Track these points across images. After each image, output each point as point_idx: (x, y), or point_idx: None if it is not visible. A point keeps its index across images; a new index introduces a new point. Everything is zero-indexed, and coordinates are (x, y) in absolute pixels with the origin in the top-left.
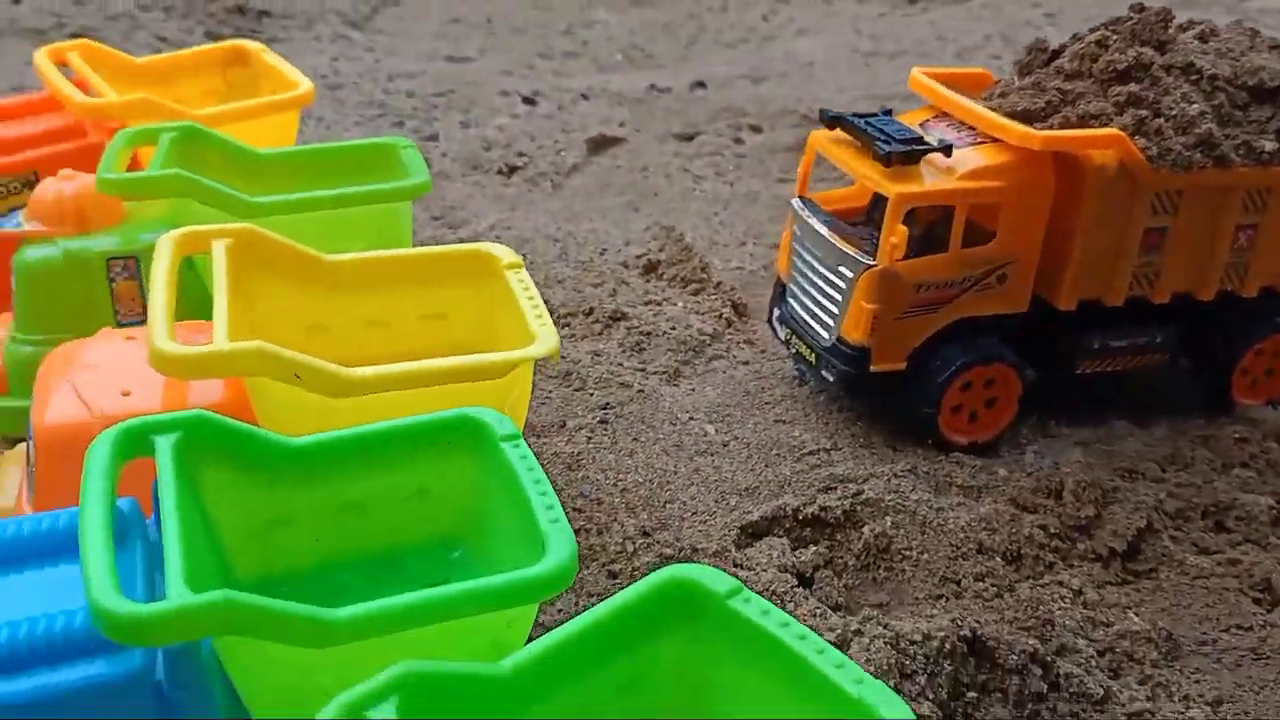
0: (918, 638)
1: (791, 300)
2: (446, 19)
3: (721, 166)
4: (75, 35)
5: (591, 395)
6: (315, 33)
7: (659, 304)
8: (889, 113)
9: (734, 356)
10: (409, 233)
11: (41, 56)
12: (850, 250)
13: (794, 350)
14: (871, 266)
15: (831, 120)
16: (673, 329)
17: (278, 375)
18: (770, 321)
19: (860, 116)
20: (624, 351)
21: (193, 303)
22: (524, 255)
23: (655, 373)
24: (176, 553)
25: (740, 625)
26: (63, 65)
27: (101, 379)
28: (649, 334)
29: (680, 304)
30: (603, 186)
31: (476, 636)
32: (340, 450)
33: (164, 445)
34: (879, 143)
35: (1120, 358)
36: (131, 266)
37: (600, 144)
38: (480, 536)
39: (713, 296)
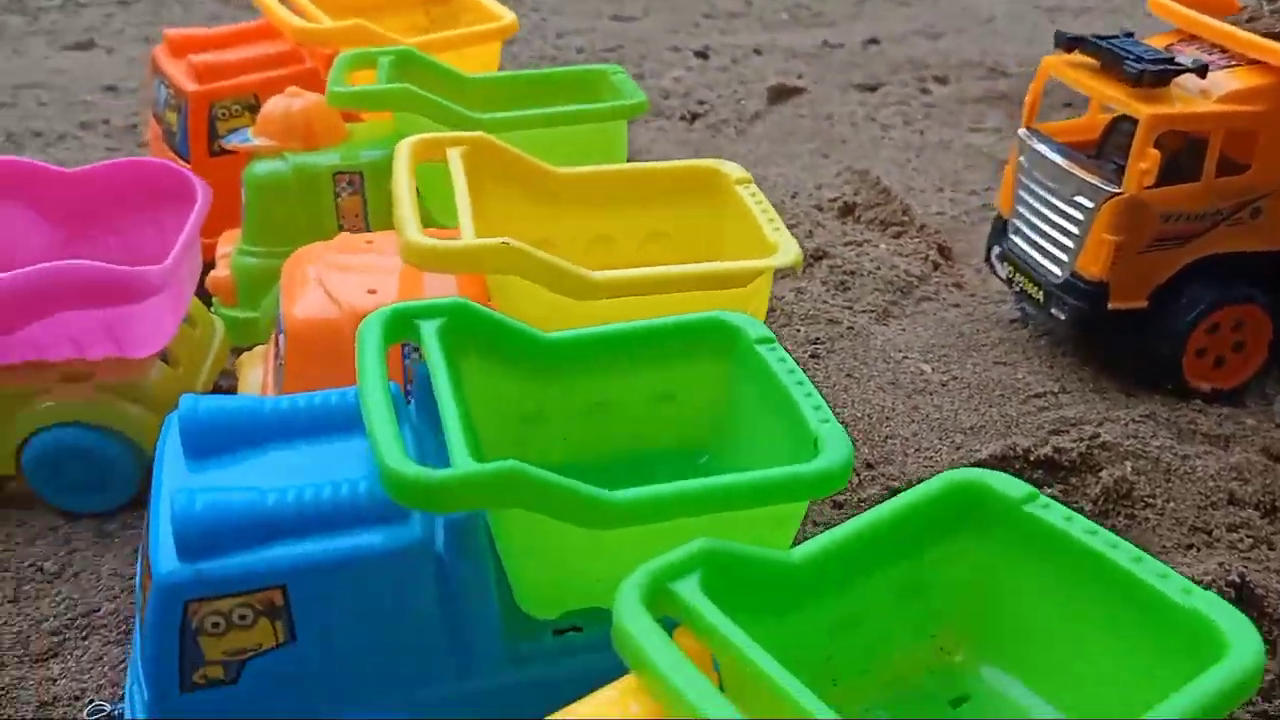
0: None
1: (1015, 236)
2: None
3: (909, 115)
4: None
5: (799, 330)
6: None
7: (859, 244)
8: (1130, 35)
9: (943, 299)
10: (624, 153)
11: None
12: (1091, 178)
13: (1018, 288)
14: (1115, 195)
15: (1070, 41)
16: (877, 269)
17: (524, 273)
18: (989, 259)
19: (1101, 38)
20: (828, 290)
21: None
22: None
23: (863, 311)
24: (456, 425)
25: (1039, 532)
26: None
27: (347, 278)
28: (853, 273)
29: (882, 245)
30: (787, 133)
31: (745, 533)
32: (592, 348)
33: (429, 329)
34: (1128, 62)
35: None
36: (356, 181)
37: (780, 93)
38: (728, 442)
39: (916, 239)
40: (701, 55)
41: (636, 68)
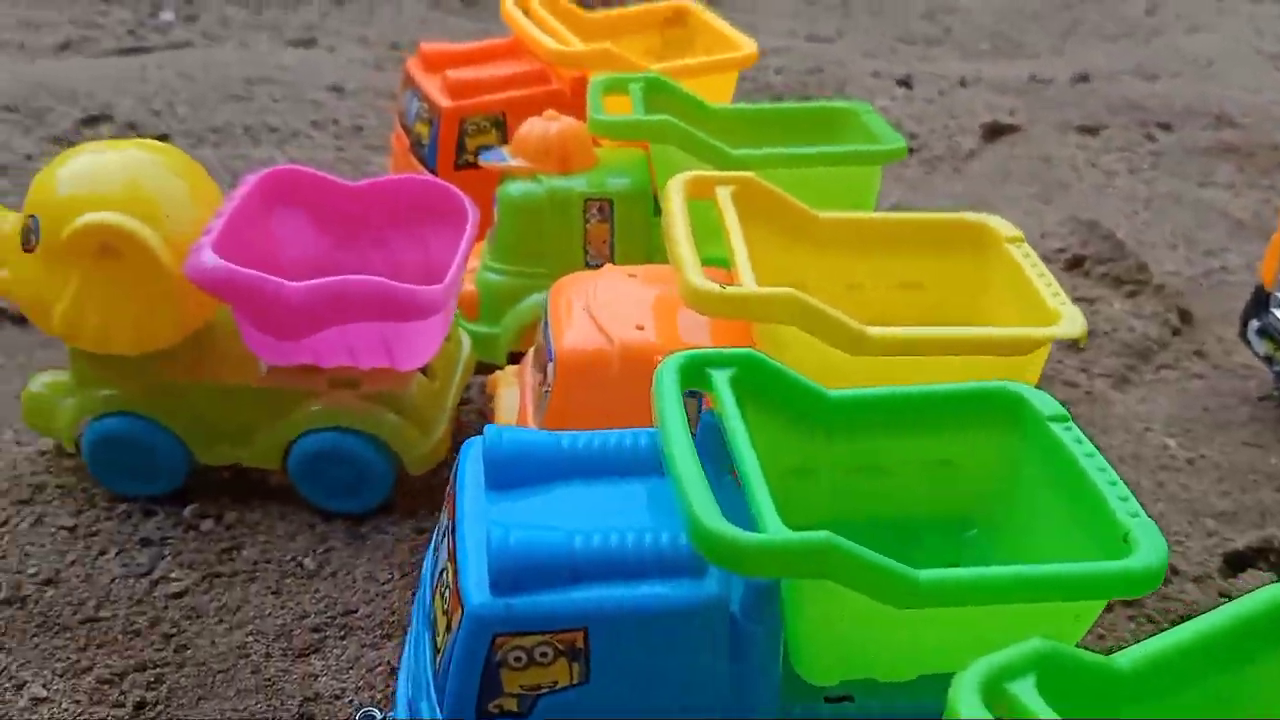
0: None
1: (1277, 310)
2: None
3: (1135, 164)
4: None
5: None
6: None
7: (1092, 302)
8: None
9: (1185, 368)
10: (874, 197)
11: (511, 5)
12: None
13: (1277, 368)
14: None
15: None
16: (1114, 330)
17: (805, 324)
18: (1244, 334)
19: None
20: (1061, 348)
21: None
22: None
23: (1100, 375)
24: (763, 488)
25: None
26: (524, 12)
27: (615, 311)
28: (1090, 333)
29: (1117, 304)
30: (1005, 174)
31: (1043, 624)
32: (872, 409)
33: (721, 379)
34: None
35: None
36: (605, 209)
37: (995, 131)
38: (1002, 518)
39: (1154, 300)
40: (905, 84)
41: (839, 93)
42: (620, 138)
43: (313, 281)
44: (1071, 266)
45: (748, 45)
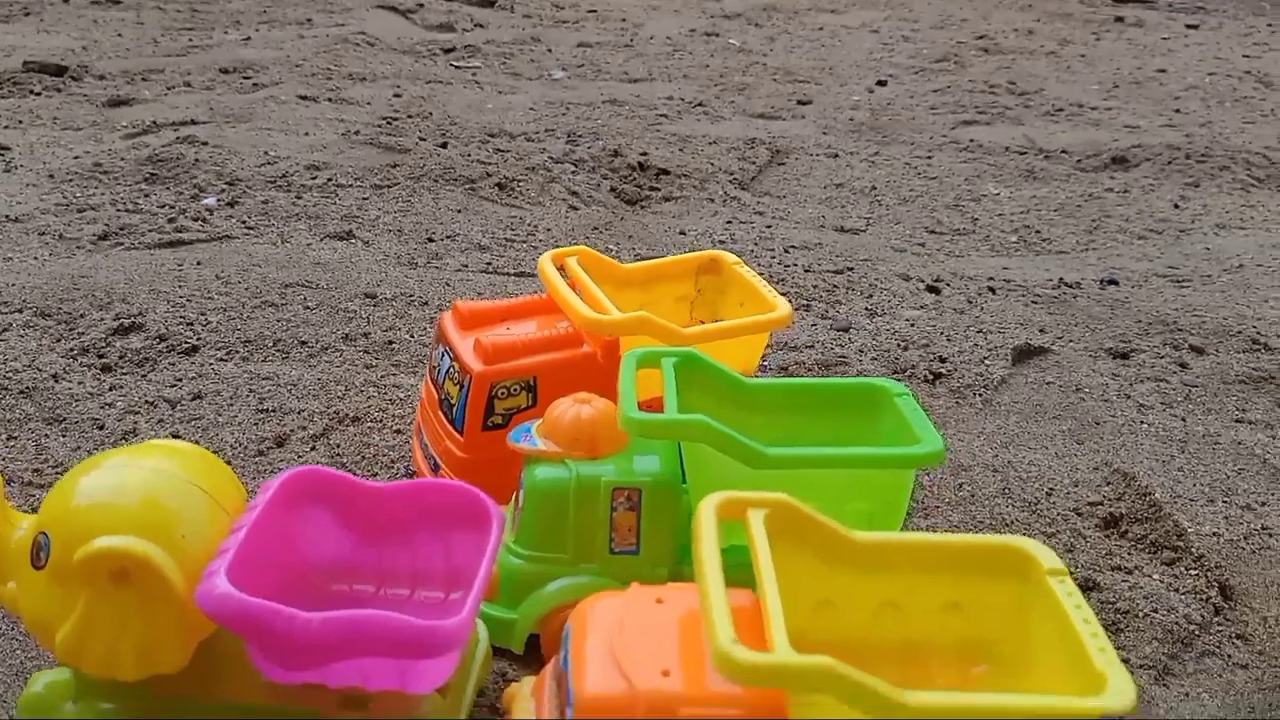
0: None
1: None
2: (831, 183)
3: (1168, 396)
4: (500, 185)
5: None
6: (708, 193)
7: (1129, 573)
8: None
9: (1228, 655)
10: (906, 500)
11: (546, 261)
12: None
13: None
14: None
15: None
16: (1154, 611)
17: (840, 694)
18: None
19: None
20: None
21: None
22: (960, 485)
23: (1141, 666)
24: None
25: None
26: (559, 268)
27: (638, 649)
28: (1125, 613)
29: (1155, 577)
30: (1036, 407)
31: None
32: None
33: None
34: None
35: None
36: (634, 498)
37: (1025, 354)
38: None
39: (1193, 571)
40: (934, 290)
41: (868, 299)
42: (652, 437)
43: (327, 615)
44: (1108, 526)
45: (783, 307)
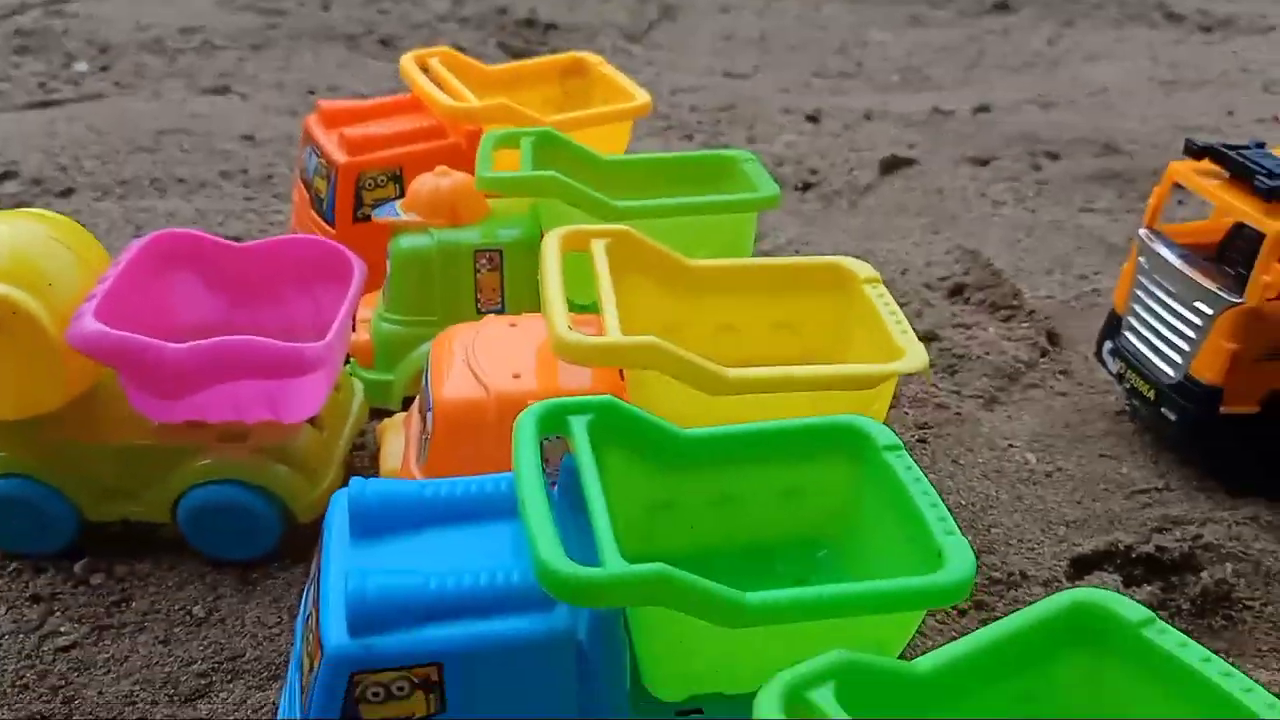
0: (1262, 680)
1: (1130, 334)
2: (720, 35)
3: (1021, 193)
4: (383, 42)
5: (907, 414)
6: (597, 45)
7: (969, 327)
8: (1262, 145)
9: (1050, 387)
10: (750, 242)
11: (408, 61)
12: (1211, 285)
13: (1128, 385)
14: (1236, 304)
15: (1199, 150)
16: (986, 354)
17: (666, 369)
18: (1100, 354)
19: (1231, 148)
20: (936, 373)
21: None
22: None
23: (971, 396)
24: (607, 525)
25: (1154, 655)
26: (423, 69)
27: (492, 360)
28: (962, 357)
29: (991, 329)
30: (899, 207)
31: (864, 635)
32: (725, 445)
33: (579, 425)
34: (1259, 177)
35: None
36: (495, 259)
37: (892, 165)
38: (848, 540)
39: (1025, 324)
40: (813, 119)
41: (749, 129)
42: (505, 193)
43: (193, 343)
44: (954, 294)
45: (641, 96)
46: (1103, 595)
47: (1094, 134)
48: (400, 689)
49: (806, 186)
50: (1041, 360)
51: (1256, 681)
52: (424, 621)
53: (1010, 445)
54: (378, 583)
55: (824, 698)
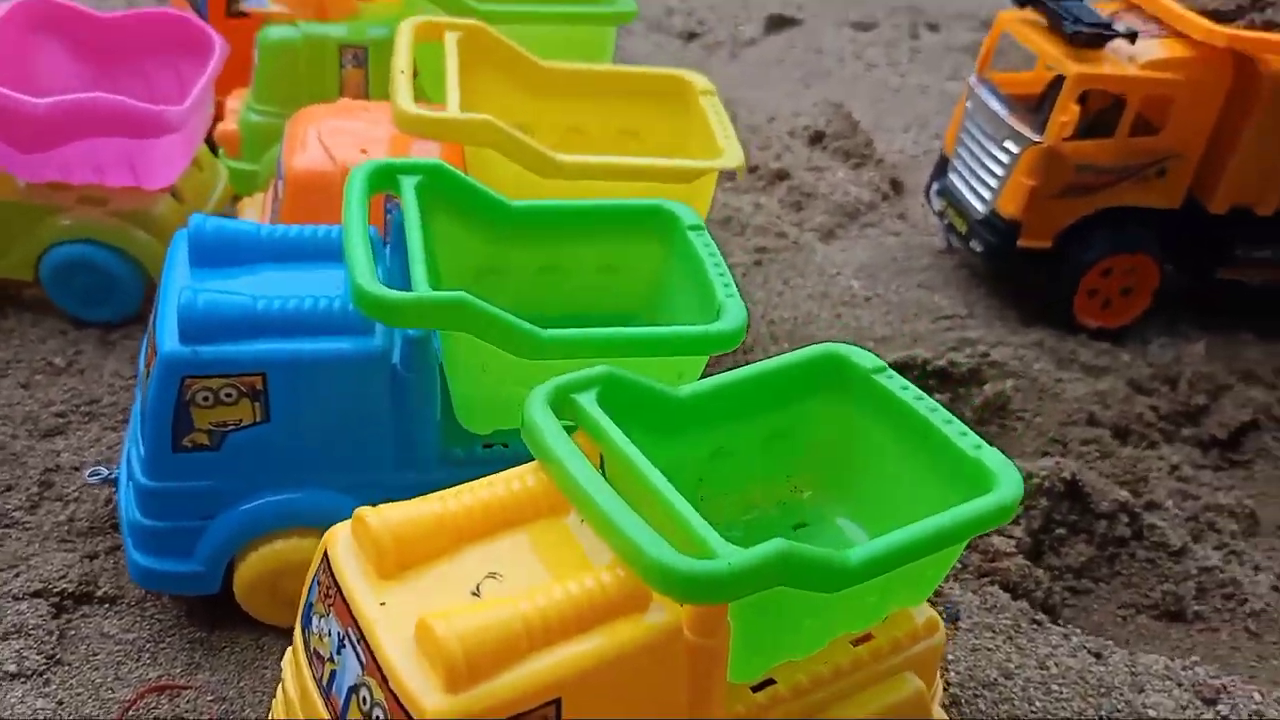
0: (1021, 474)
1: (953, 174)
2: None
3: (895, 58)
4: None
5: (749, 240)
6: None
7: (821, 170)
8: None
9: (885, 226)
10: (609, 56)
11: None
12: (1019, 126)
13: (947, 221)
14: (1036, 143)
15: (1024, 1)
16: (831, 194)
17: (499, 147)
18: (927, 193)
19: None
20: (784, 207)
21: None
22: None
23: (811, 230)
24: (420, 257)
25: (882, 396)
26: None
27: (343, 137)
28: (809, 194)
29: (841, 173)
30: (777, 61)
31: (655, 376)
32: (550, 217)
33: (408, 184)
34: (1067, 23)
35: (1261, 269)
36: (361, 56)
37: (778, 23)
38: (659, 310)
39: (873, 171)
40: None
41: None
42: None
43: (56, 98)
44: (813, 141)
45: None
46: (845, 348)
47: (976, 9)
48: (228, 395)
49: (692, 36)
50: (883, 203)
51: (1020, 466)
52: (251, 336)
53: (838, 273)
54: (207, 298)
55: (586, 400)
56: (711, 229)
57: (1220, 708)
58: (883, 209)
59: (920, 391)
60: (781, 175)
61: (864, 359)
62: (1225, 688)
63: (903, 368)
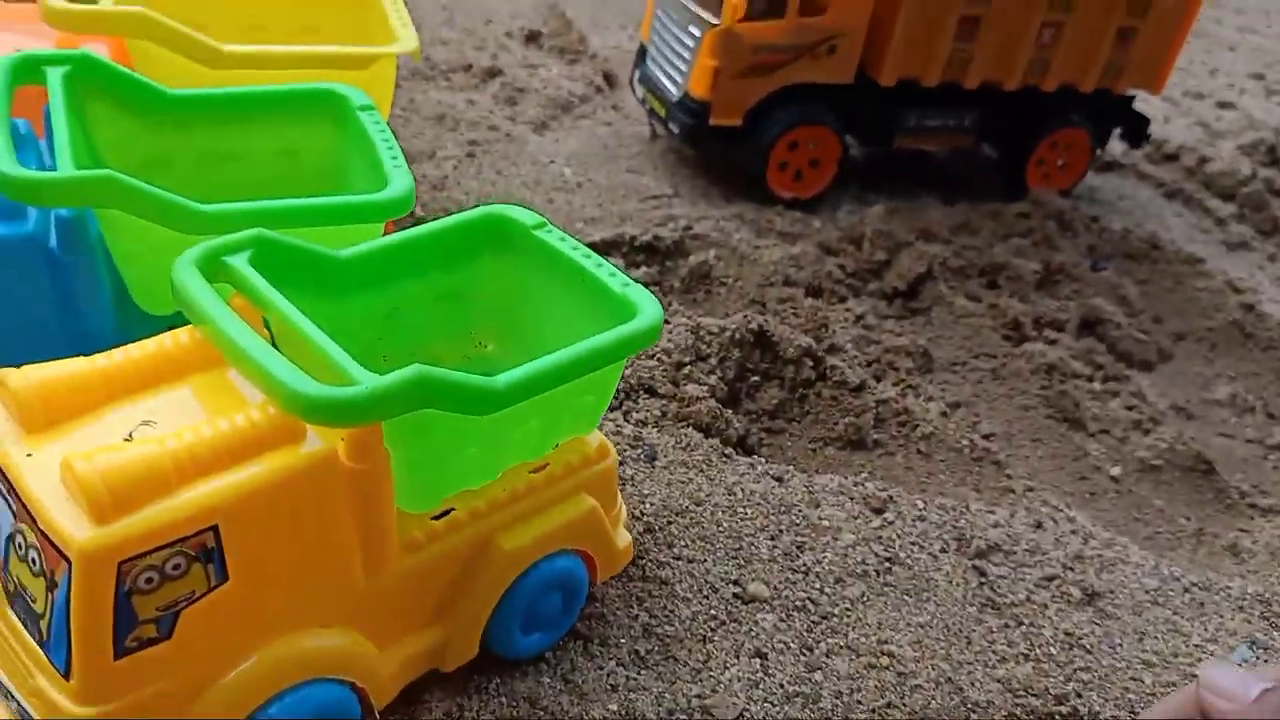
0: (715, 329)
1: (650, 62)
2: None
3: None
4: None
5: (462, 135)
6: None
7: (535, 68)
8: None
9: (598, 118)
10: None
11: None
12: (702, 12)
13: (648, 107)
14: (716, 26)
15: None
16: (545, 88)
17: (159, 39)
18: (630, 83)
19: None
20: (497, 103)
21: None
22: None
23: (524, 123)
24: (65, 142)
25: (543, 249)
26: None
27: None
28: (522, 90)
29: (555, 69)
30: None
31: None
32: (215, 104)
33: (55, 75)
34: None
35: (933, 137)
36: None
37: None
38: (337, 190)
39: (587, 67)
40: None
41: None
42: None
43: None
44: (529, 41)
45: None
46: (506, 208)
47: None
48: None
49: None
50: (596, 95)
51: (715, 322)
52: None
53: (551, 162)
54: None
55: (239, 262)
56: (424, 126)
57: (887, 515)
58: (595, 101)
59: (577, 242)
60: (494, 73)
61: (525, 216)
62: (892, 498)
63: (611, 245)
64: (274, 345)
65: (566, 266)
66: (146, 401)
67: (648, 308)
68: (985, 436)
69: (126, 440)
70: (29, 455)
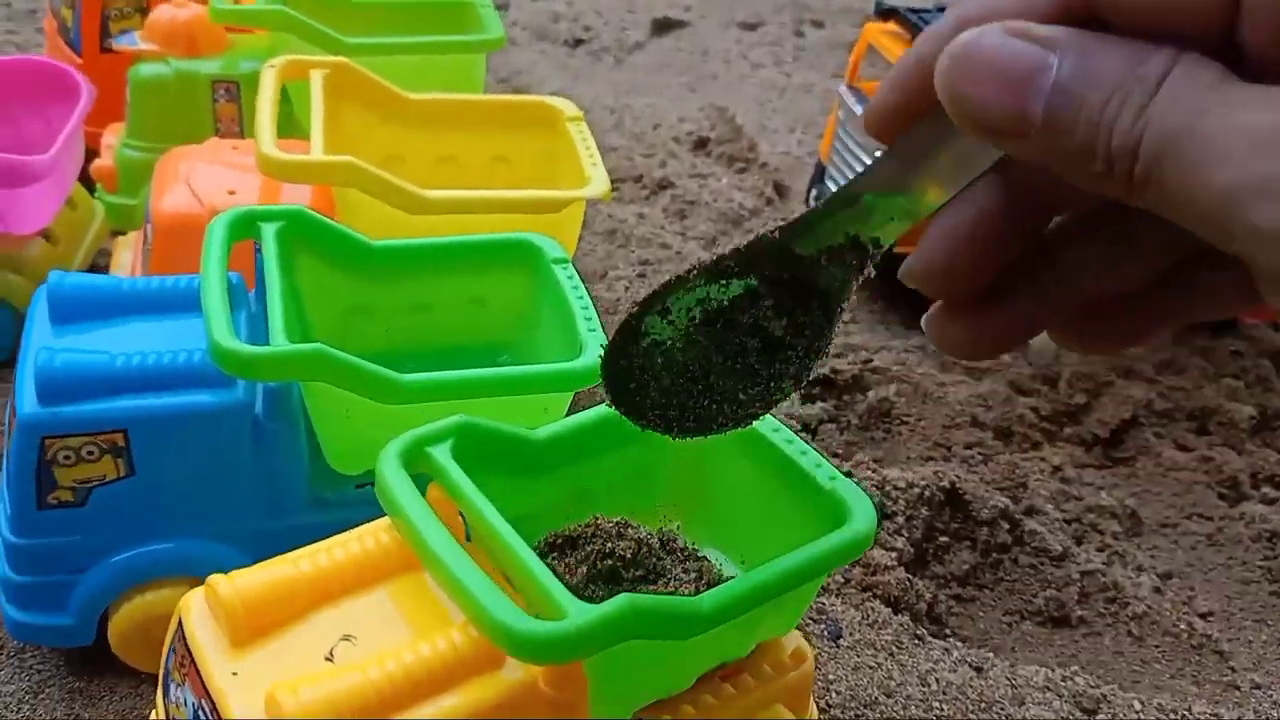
0: (902, 484)
1: (830, 182)
2: None
3: (780, 57)
4: None
5: (633, 252)
6: None
7: (704, 178)
8: (943, 9)
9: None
10: (480, 84)
11: None
12: None
13: None
14: None
15: (885, 12)
16: (715, 201)
17: (363, 187)
18: (807, 200)
19: (915, 11)
20: (667, 217)
21: (283, 126)
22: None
23: (694, 238)
24: (279, 310)
25: (743, 432)
26: None
27: (211, 179)
28: (692, 203)
29: (725, 180)
30: (663, 66)
31: (518, 416)
32: (414, 256)
33: (269, 230)
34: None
35: None
36: (233, 90)
37: (664, 26)
38: (526, 342)
39: (757, 176)
40: None
41: None
42: (237, 24)
43: None
44: (697, 147)
45: None
46: None
47: (862, 4)
48: (90, 453)
49: (578, 43)
50: (766, 208)
51: (902, 476)
52: (110, 393)
53: None
54: (65, 358)
55: (441, 453)
56: (596, 242)
57: (1100, 718)
58: (766, 214)
59: (777, 424)
60: (665, 184)
61: None
62: (1105, 697)
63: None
64: (468, 537)
65: (764, 450)
66: (346, 608)
67: (859, 509)
68: (1203, 616)
69: (328, 659)
70: (234, 674)
